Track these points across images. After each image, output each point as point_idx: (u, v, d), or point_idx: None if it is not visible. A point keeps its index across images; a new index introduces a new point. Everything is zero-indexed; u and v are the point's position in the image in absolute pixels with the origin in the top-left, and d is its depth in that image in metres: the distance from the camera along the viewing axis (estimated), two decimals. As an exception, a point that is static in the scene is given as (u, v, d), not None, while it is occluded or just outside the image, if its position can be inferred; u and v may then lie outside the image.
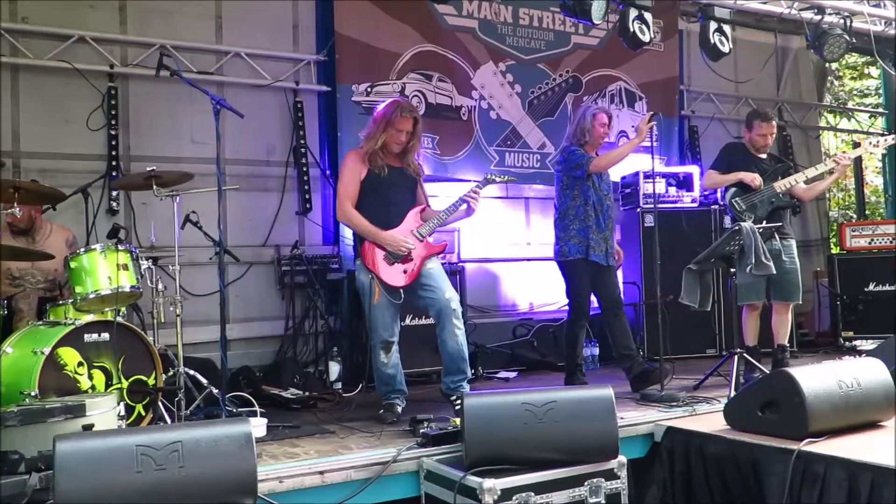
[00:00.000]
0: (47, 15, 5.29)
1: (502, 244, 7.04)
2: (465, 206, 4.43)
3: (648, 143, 4.96)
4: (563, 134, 7.01)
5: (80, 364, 3.80)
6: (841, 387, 3.59)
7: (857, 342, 6.84)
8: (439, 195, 6.08)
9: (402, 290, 4.31)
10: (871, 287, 6.96)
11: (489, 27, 6.81)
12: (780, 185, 5.21)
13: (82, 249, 4.14)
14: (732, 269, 4.84)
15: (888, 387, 3.75)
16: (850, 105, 10.89)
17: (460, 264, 6.08)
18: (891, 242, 7.10)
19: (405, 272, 4.30)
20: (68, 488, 2.60)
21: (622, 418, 3.86)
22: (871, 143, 5.49)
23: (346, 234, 5.92)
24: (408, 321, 5.46)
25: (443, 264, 4.75)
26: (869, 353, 4.99)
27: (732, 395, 4.28)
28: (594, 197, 5.04)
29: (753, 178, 5.17)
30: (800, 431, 3.42)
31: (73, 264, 4.09)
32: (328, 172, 6.19)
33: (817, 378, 3.59)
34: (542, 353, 6.41)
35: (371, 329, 4.40)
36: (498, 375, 5.99)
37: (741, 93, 8.16)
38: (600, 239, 5.02)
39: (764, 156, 5.38)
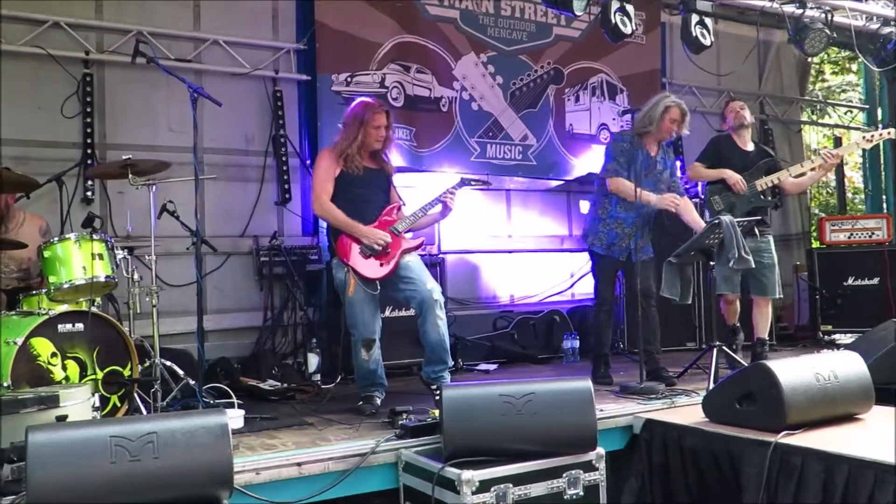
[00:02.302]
0: (21, -1, 5.23)
1: (483, 236, 7.06)
2: (440, 206, 4.47)
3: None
4: (546, 126, 7.16)
5: (53, 355, 3.77)
6: (818, 379, 3.63)
7: (836, 336, 6.92)
8: (415, 186, 6.08)
9: (378, 282, 4.31)
10: (849, 281, 7.04)
11: (471, 18, 6.80)
12: (762, 183, 5.25)
13: (56, 238, 4.10)
14: (712, 263, 4.88)
15: (865, 380, 3.80)
16: (830, 100, 10.99)
17: (440, 256, 6.09)
18: (870, 237, 7.18)
19: (382, 265, 4.31)
20: (41, 480, 2.58)
21: (601, 410, 3.89)
22: (864, 137, 5.53)
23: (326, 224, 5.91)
24: (388, 313, 5.46)
25: (422, 256, 4.75)
26: (847, 346, 5.07)
27: (711, 387, 4.31)
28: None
29: (737, 182, 5.19)
30: (777, 424, 3.45)
31: (46, 253, 4.05)
32: (308, 162, 6.16)
33: (795, 371, 3.62)
34: (523, 345, 6.44)
35: (351, 326, 4.39)
36: (478, 368, 6.01)
37: (723, 86, 8.21)
38: (623, 236, 5.00)
39: (751, 147, 5.41)
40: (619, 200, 4.99)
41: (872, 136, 5.48)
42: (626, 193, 4.88)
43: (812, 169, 5.37)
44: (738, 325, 5.38)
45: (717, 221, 4.75)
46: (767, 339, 5.41)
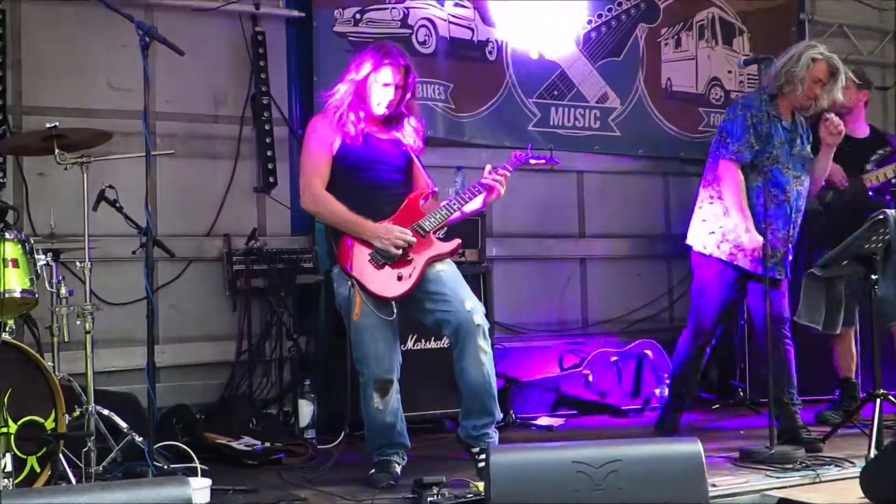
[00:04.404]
0: None
1: (545, 236, 7.04)
2: (484, 193, 4.46)
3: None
4: (634, 81, 7.11)
5: (-51, 399, 3.81)
6: None
7: None
8: (454, 166, 6.07)
9: (394, 304, 4.31)
10: None
11: (528, -71, 6.81)
12: (871, 178, 5.54)
13: (-45, 238, 4.15)
14: (874, 276, 4.80)
15: None
16: None
17: (485, 265, 6.06)
18: None
19: (400, 278, 4.30)
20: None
21: (714, 486, 3.86)
22: None
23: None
24: (410, 344, 5.48)
25: (461, 264, 4.73)
26: None
27: (873, 455, 4.26)
28: (771, 180, 4.93)
29: None
30: (970, 508, 3.41)
31: (-59, 259, 4.10)
32: (300, 132, 6.17)
33: None
34: (601, 390, 6.41)
35: (359, 362, 4.41)
36: (537, 422, 6.02)
37: (887, 25, 8.13)
38: (777, 242, 5.01)
39: (865, 134, 5.76)
40: (763, 189, 4.90)
41: None
42: (731, 195, 4.94)
43: None
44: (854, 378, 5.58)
45: (881, 216, 4.68)
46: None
